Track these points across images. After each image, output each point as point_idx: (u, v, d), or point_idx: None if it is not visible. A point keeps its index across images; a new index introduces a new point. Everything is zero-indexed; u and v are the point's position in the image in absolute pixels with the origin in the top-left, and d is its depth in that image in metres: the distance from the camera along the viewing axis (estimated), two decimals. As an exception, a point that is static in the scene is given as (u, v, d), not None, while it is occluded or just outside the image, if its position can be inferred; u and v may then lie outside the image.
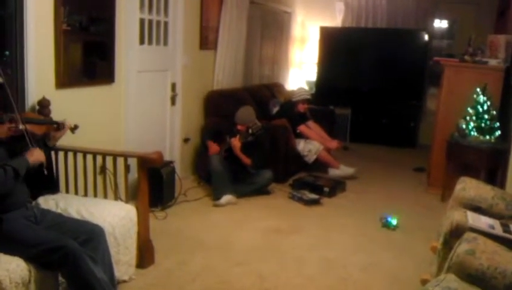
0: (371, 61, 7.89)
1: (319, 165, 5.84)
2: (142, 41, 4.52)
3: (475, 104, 4.80)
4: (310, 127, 6.08)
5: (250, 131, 4.76)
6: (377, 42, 7.84)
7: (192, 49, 5.34)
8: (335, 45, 8.10)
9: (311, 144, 5.82)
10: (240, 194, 4.79)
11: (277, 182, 5.22)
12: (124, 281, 3.01)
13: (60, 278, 2.50)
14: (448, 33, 8.02)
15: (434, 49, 7.76)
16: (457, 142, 4.84)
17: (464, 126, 4.83)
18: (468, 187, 3.22)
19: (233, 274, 3.30)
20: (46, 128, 2.89)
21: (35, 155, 2.60)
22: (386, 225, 4.28)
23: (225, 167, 4.77)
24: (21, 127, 2.61)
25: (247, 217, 4.39)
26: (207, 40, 5.59)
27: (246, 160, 4.86)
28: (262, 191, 5.00)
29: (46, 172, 2.74)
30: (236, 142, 4.79)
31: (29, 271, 2.33)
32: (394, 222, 4.29)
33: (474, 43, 5.34)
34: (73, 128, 3.01)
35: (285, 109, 6.07)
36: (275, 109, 6.31)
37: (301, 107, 6.04)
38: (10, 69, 3.25)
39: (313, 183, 5.22)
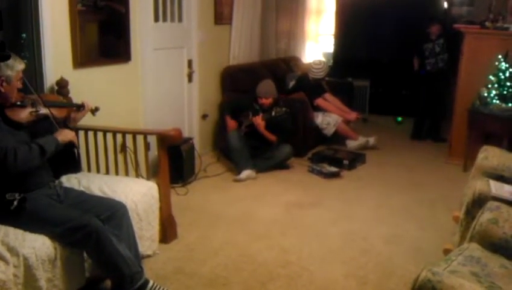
0: (389, 31, 7.71)
1: (338, 138, 5.81)
2: (156, 19, 4.50)
3: (497, 71, 4.73)
4: (327, 100, 6.02)
5: (273, 114, 4.77)
6: (395, 11, 7.64)
7: (207, 24, 5.30)
8: (352, 16, 7.94)
9: (330, 116, 5.78)
10: (260, 169, 4.81)
11: (296, 156, 5.19)
12: (148, 256, 3.06)
13: (86, 256, 2.54)
14: (468, -1, 7.81)
15: (453, 16, 7.56)
16: (479, 110, 4.77)
17: (485, 94, 4.75)
18: (491, 156, 3.18)
19: (255, 248, 3.32)
20: (67, 111, 2.87)
21: (64, 134, 2.61)
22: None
23: (244, 143, 4.78)
24: (43, 111, 2.60)
25: (267, 192, 4.40)
26: (222, 15, 5.54)
27: (271, 137, 4.88)
28: (281, 165, 5.00)
29: (77, 151, 2.75)
30: (259, 121, 4.80)
31: (55, 249, 2.37)
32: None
33: (495, 9, 5.19)
34: (94, 110, 3.00)
35: (302, 83, 6.02)
36: (292, 83, 6.26)
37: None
38: (28, 51, 3.28)
39: (332, 157, 5.20)
